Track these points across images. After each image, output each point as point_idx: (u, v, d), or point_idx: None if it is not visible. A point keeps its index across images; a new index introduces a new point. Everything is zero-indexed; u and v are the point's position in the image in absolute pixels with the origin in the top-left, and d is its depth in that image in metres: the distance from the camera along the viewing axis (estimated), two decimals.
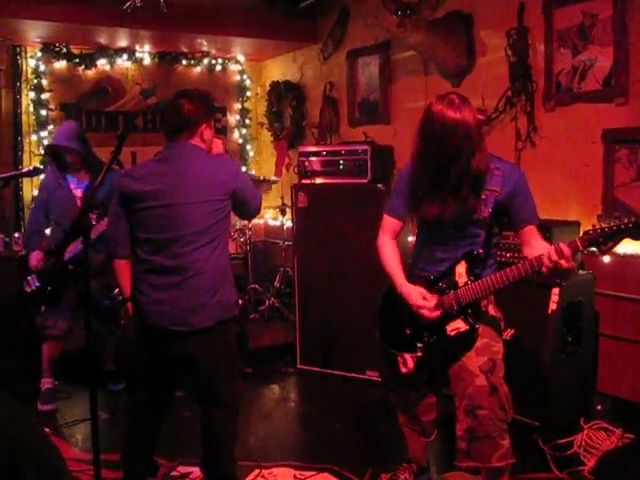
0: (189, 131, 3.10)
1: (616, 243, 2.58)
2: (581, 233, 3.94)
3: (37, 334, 4.65)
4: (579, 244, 2.60)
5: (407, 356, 2.97)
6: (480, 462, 2.84)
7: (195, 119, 3.11)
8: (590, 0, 4.12)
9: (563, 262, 2.59)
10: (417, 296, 2.90)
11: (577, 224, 4.14)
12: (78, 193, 4.58)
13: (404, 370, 2.98)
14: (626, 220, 2.54)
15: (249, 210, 3.34)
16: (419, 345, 2.95)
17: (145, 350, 3.21)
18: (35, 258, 4.49)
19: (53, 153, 4.64)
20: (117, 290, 5.89)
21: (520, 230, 2.91)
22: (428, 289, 2.93)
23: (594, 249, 2.65)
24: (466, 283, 2.86)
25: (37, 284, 4.46)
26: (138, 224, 3.07)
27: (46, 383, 4.69)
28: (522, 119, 4.58)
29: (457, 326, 2.88)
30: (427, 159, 2.80)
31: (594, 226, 2.61)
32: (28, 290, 4.47)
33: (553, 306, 3.77)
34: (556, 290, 3.77)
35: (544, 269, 2.65)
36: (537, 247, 2.81)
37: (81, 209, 2.74)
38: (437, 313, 2.88)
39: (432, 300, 2.89)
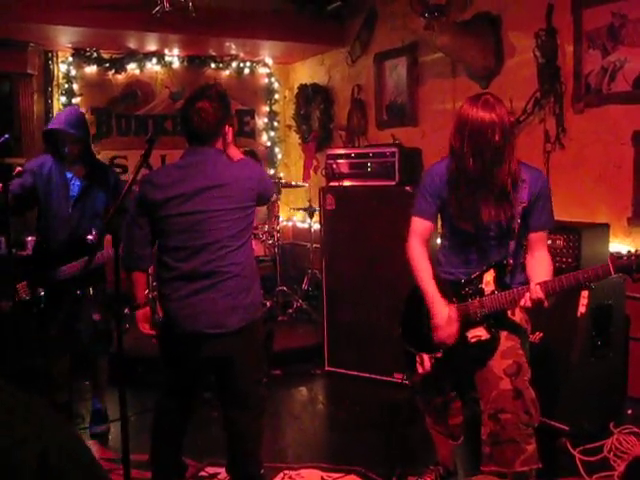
0: (215, 136, 3.10)
1: None
2: (611, 239, 3.99)
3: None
4: (612, 269, 2.59)
5: (425, 356, 2.98)
6: (503, 467, 2.81)
7: (220, 123, 3.10)
8: (620, 0, 4.08)
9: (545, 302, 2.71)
10: (442, 319, 2.91)
11: (606, 226, 4.10)
12: (71, 192, 4.08)
13: (421, 370, 2.99)
14: None
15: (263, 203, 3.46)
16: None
17: (172, 353, 3.22)
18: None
19: (52, 140, 4.08)
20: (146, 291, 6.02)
21: (530, 234, 2.91)
22: (453, 293, 2.93)
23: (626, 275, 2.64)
24: (492, 292, 2.85)
25: (26, 296, 4.06)
26: (165, 232, 3.05)
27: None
28: (551, 121, 4.55)
29: (478, 334, 2.88)
30: (473, 163, 2.74)
31: (629, 252, 2.59)
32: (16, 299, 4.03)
33: (582, 309, 3.74)
34: (585, 293, 3.73)
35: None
36: (538, 260, 2.88)
37: (112, 212, 2.72)
38: (451, 341, 2.90)
39: (453, 326, 2.89)
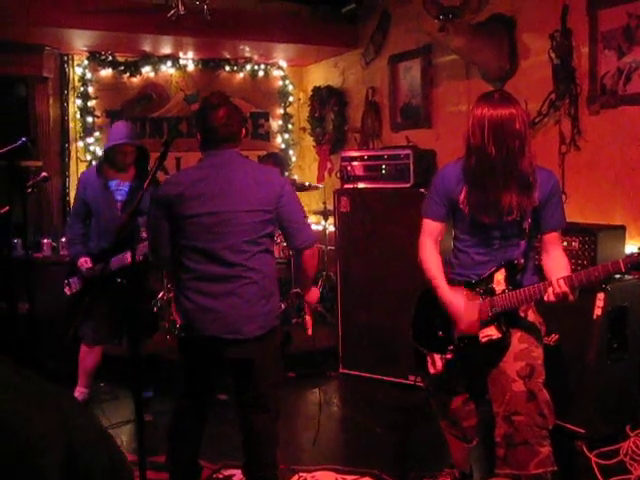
0: (236, 140, 3.12)
1: None
2: (627, 241, 3.97)
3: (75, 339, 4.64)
4: (622, 266, 2.58)
5: (436, 357, 2.99)
6: (517, 469, 2.80)
7: (240, 127, 3.14)
8: (636, 1, 4.06)
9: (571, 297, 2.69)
10: (459, 309, 2.91)
11: (623, 228, 4.08)
12: (118, 197, 4.47)
13: (432, 371, 3.00)
14: None
15: (297, 233, 3.12)
16: (450, 348, 2.96)
17: (190, 356, 3.23)
18: (85, 261, 4.41)
19: (112, 154, 4.44)
20: (162, 293, 6.07)
21: (544, 235, 2.91)
22: (465, 294, 2.94)
23: (636, 272, 2.63)
24: (503, 291, 2.85)
25: (78, 287, 4.47)
26: (184, 232, 3.05)
27: (76, 392, 4.59)
28: (566, 122, 4.53)
29: (489, 333, 2.87)
30: (494, 151, 2.73)
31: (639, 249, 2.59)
32: (68, 293, 4.51)
33: (598, 311, 3.72)
34: (601, 295, 3.71)
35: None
36: (555, 259, 2.87)
37: (127, 215, 2.76)
38: (475, 329, 2.89)
39: (474, 312, 2.88)
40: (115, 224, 4.25)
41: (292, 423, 4.47)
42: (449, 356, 2.96)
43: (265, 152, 7.31)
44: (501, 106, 2.72)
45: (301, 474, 3.69)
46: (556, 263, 2.85)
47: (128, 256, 4.14)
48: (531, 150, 2.77)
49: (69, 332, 3.07)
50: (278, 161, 6.74)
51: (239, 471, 3.57)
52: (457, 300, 2.93)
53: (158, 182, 4.02)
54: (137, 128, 6.92)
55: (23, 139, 3.48)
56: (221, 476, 3.72)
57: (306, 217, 3.26)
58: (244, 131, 3.21)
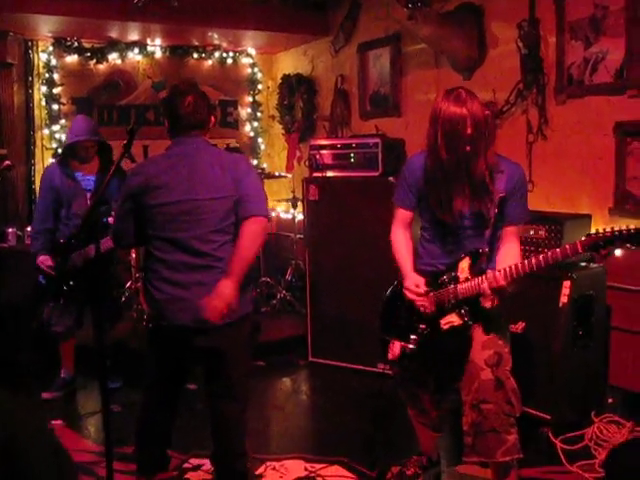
0: (204, 127, 3.11)
1: (615, 248, 2.60)
2: (592, 229, 4.02)
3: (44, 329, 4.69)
4: (579, 247, 2.59)
5: (397, 343, 3.03)
6: (485, 457, 2.84)
7: (208, 115, 3.12)
8: None
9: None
10: (410, 283, 2.96)
11: (589, 217, 4.13)
12: (86, 186, 4.54)
13: (390, 356, 3.05)
14: (626, 227, 2.53)
15: (248, 203, 3.02)
16: (412, 337, 2.99)
17: (160, 346, 3.21)
18: (44, 260, 4.45)
19: (73, 150, 4.52)
20: (130, 283, 6.03)
21: (504, 226, 2.93)
22: (431, 283, 2.96)
23: (593, 253, 2.64)
24: (466, 279, 2.87)
25: (42, 280, 4.48)
26: (152, 222, 3.02)
27: (62, 373, 4.79)
28: (533, 112, 4.57)
29: (451, 320, 2.89)
30: (445, 156, 2.79)
31: (597, 230, 2.61)
32: (41, 278, 4.50)
33: (564, 299, 3.76)
34: (567, 283, 3.76)
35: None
36: (506, 251, 2.91)
37: (91, 205, 2.74)
38: (428, 304, 2.93)
39: (421, 287, 2.94)
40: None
41: (261, 412, 4.46)
42: (411, 346, 2.97)
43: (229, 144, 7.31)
44: (455, 106, 2.73)
45: (269, 463, 3.69)
46: (505, 255, 2.88)
47: (91, 250, 4.15)
48: (489, 148, 2.79)
49: (34, 323, 3.02)
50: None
51: (208, 460, 3.56)
52: (410, 279, 2.99)
53: (123, 171, 4.08)
54: (104, 116, 6.85)
55: None
56: (190, 466, 3.71)
57: (264, 194, 3.14)
58: (213, 119, 3.19)
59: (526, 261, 2.70)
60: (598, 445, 3.65)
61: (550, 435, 3.73)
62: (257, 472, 3.60)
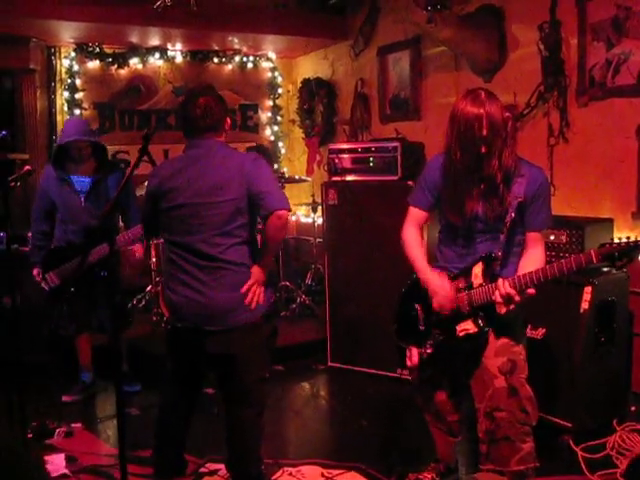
0: (218, 130, 3.11)
1: (631, 260, 2.53)
2: (615, 234, 3.96)
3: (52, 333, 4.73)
4: (594, 257, 2.54)
5: (414, 350, 2.99)
6: (499, 465, 2.80)
7: (222, 117, 3.12)
8: None
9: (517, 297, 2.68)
10: (436, 281, 2.91)
11: (610, 221, 4.07)
12: (78, 187, 4.49)
13: (409, 363, 3.01)
14: None
15: (266, 199, 2.99)
16: (429, 342, 2.95)
17: (176, 348, 3.24)
18: (38, 273, 4.50)
19: (64, 151, 4.45)
20: (150, 287, 6.06)
21: (527, 232, 2.89)
22: None
23: (608, 264, 2.59)
24: (480, 285, 2.83)
25: (56, 283, 4.47)
26: (167, 225, 3.08)
27: (83, 377, 4.82)
28: (555, 115, 4.51)
29: (466, 327, 2.85)
30: (460, 157, 2.76)
31: (611, 240, 2.56)
32: (47, 288, 4.48)
33: (585, 305, 3.69)
34: (588, 289, 3.69)
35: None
36: (528, 257, 2.85)
37: (107, 211, 2.74)
38: (452, 304, 2.88)
39: (449, 289, 2.88)
40: (79, 214, 4.45)
41: (279, 416, 4.45)
42: (428, 350, 2.94)
43: (254, 144, 7.33)
44: (472, 106, 2.70)
45: (286, 468, 3.66)
46: (527, 261, 2.83)
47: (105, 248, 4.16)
48: (506, 152, 2.75)
49: (45, 330, 3.04)
50: (265, 154, 6.73)
51: (224, 465, 3.55)
52: (435, 276, 2.94)
53: (123, 171, 4.40)
54: (125, 120, 6.90)
55: (3, 132, 3.42)
56: (206, 470, 3.69)
57: (277, 184, 3.20)
58: (229, 121, 3.19)
59: (540, 270, 2.66)
60: (620, 454, 3.57)
61: (571, 443, 3.66)
62: (273, 477, 3.58)
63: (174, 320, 3.13)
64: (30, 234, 4.66)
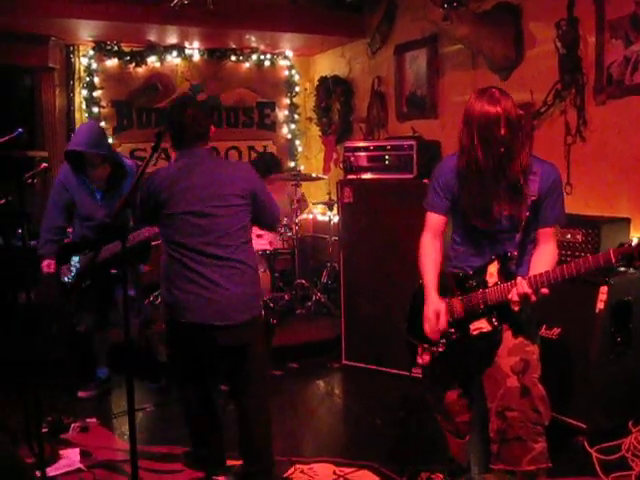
0: (205, 138, 3.33)
1: None
2: (632, 234, 3.91)
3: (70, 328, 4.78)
4: (612, 257, 2.52)
5: (426, 348, 2.97)
6: (510, 465, 2.78)
7: (209, 125, 3.36)
8: None
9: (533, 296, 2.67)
10: (431, 312, 2.90)
11: (627, 221, 4.02)
12: (95, 185, 4.53)
13: (420, 361, 3.01)
14: None
15: (269, 217, 3.45)
16: (442, 341, 2.93)
17: (179, 344, 3.37)
18: (47, 265, 4.53)
19: (74, 157, 4.45)
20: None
21: (539, 228, 2.86)
22: (458, 286, 2.92)
23: (625, 264, 2.56)
24: (496, 283, 2.81)
25: (70, 277, 4.51)
26: (168, 228, 3.23)
27: (99, 372, 4.87)
28: (572, 113, 4.46)
29: (480, 326, 2.84)
30: (482, 158, 2.72)
31: (631, 240, 2.53)
32: (65, 280, 4.53)
33: (601, 305, 3.66)
34: (604, 289, 3.65)
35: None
36: (540, 254, 2.84)
37: (119, 208, 2.77)
38: (436, 337, 2.90)
39: (441, 323, 2.88)
40: (96, 212, 4.50)
41: (292, 414, 4.45)
42: (441, 349, 2.93)
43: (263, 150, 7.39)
44: (489, 106, 2.67)
45: (298, 466, 3.67)
46: (539, 258, 2.81)
47: (117, 245, 4.20)
48: (524, 149, 2.73)
49: (56, 326, 3.09)
50: (274, 160, 6.81)
51: (237, 462, 3.59)
52: (433, 304, 2.91)
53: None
54: (142, 118, 6.93)
55: (19, 130, 3.46)
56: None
57: (271, 196, 3.47)
58: (213, 129, 3.41)
59: (557, 269, 2.64)
60: (635, 456, 3.53)
61: (585, 444, 3.63)
62: (286, 475, 3.59)
63: (176, 316, 3.23)
64: (42, 228, 4.66)
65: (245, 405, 3.37)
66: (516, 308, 2.73)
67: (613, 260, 2.51)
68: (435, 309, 2.89)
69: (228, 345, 3.23)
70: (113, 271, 4.28)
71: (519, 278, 2.70)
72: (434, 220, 3.05)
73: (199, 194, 3.17)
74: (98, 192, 4.53)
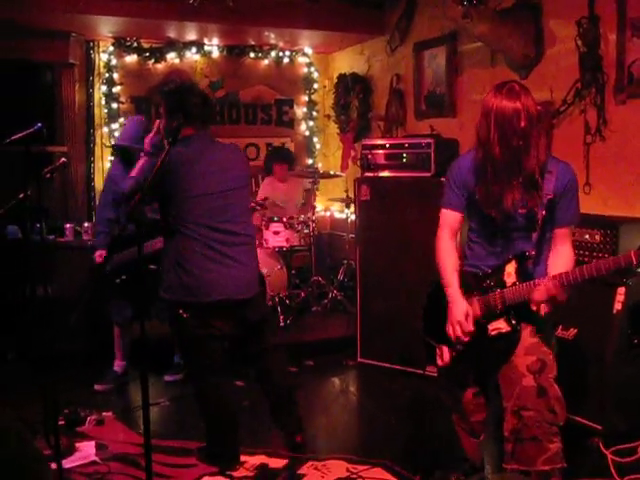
0: (211, 122, 3.61)
1: None
2: None
3: (107, 318, 4.87)
4: (633, 259, 2.50)
5: (445, 349, 2.95)
6: (525, 465, 2.76)
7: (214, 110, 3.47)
8: None
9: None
10: (460, 314, 2.86)
11: None
12: None
13: (440, 363, 2.98)
14: None
15: None
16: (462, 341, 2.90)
17: (206, 327, 3.43)
18: (99, 255, 4.62)
19: (121, 151, 4.70)
20: None
21: (555, 229, 2.84)
22: (476, 286, 2.90)
23: None
24: (514, 283, 2.80)
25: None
26: (189, 211, 3.33)
27: (114, 365, 4.91)
28: (592, 112, 4.42)
29: (499, 326, 2.82)
30: (498, 150, 2.71)
31: None
32: (108, 268, 4.57)
33: (618, 306, 3.63)
34: (621, 290, 3.62)
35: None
36: (558, 255, 2.82)
37: (135, 200, 2.79)
38: (467, 339, 2.85)
39: (469, 325, 2.84)
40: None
41: (307, 411, 4.45)
42: (459, 348, 2.92)
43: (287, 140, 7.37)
44: (508, 99, 2.67)
45: (312, 462, 3.67)
46: (558, 259, 2.79)
47: (157, 242, 4.24)
48: (541, 146, 2.72)
49: (74, 317, 3.11)
50: (288, 156, 6.83)
51: (251, 457, 3.66)
52: (460, 308, 2.87)
53: None
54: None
55: (39, 124, 3.49)
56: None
57: None
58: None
59: (577, 269, 2.62)
60: None
61: (601, 446, 3.60)
62: (299, 471, 3.59)
63: (201, 297, 3.34)
64: (95, 220, 4.82)
65: (268, 360, 3.67)
66: (534, 307, 2.71)
67: (634, 261, 2.49)
68: (464, 311, 2.85)
69: (258, 313, 3.57)
70: (152, 267, 4.29)
71: (545, 277, 2.68)
72: (450, 217, 3.03)
73: (216, 176, 3.36)
74: None
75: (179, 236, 3.34)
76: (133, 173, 3.47)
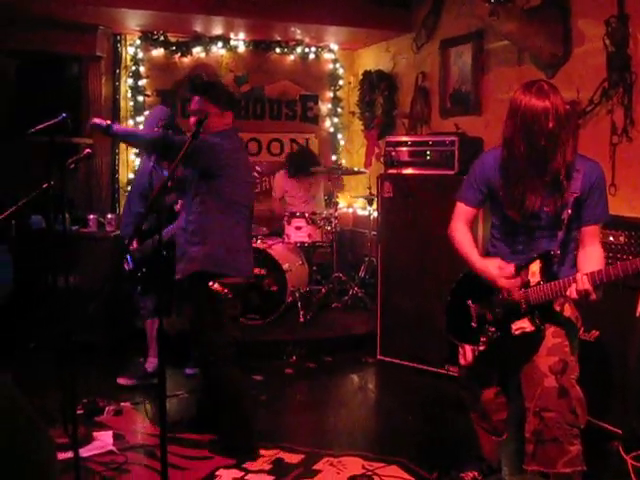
0: None
1: None
2: None
3: (136, 313, 4.91)
4: None
5: (468, 348, 2.94)
6: (545, 467, 2.74)
7: None
8: None
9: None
10: (494, 268, 2.85)
11: None
12: (166, 173, 4.60)
13: (463, 362, 2.96)
14: None
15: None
16: (482, 339, 2.89)
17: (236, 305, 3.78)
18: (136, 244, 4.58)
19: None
20: None
21: (583, 227, 2.81)
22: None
23: None
24: (538, 283, 2.76)
25: (131, 266, 4.56)
26: (226, 191, 3.63)
27: (147, 362, 4.87)
28: (619, 112, 4.36)
29: (522, 326, 2.79)
30: (523, 149, 2.69)
31: None
32: (126, 268, 4.59)
33: None
34: None
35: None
36: (588, 254, 2.79)
37: (157, 191, 2.80)
38: (517, 281, 2.81)
39: (509, 268, 2.82)
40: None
41: (325, 407, 4.46)
42: (481, 347, 2.89)
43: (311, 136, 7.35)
44: (537, 98, 2.63)
45: (328, 458, 3.66)
46: (588, 258, 2.76)
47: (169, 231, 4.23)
48: (568, 147, 2.68)
49: (93, 306, 3.13)
50: (309, 152, 6.80)
51: (266, 451, 3.67)
52: (491, 263, 2.89)
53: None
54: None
55: (63, 114, 3.51)
56: None
57: None
58: None
59: (611, 267, 2.57)
60: None
61: (621, 450, 3.55)
62: (315, 467, 3.58)
63: (244, 276, 3.74)
64: (123, 216, 4.94)
65: None
66: (557, 307, 2.69)
67: None
68: (497, 264, 2.86)
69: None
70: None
71: (579, 274, 2.63)
72: (464, 211, 3.06)
73: (248, 166, 3.85)
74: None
75: (218, 214, 3.62)
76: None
